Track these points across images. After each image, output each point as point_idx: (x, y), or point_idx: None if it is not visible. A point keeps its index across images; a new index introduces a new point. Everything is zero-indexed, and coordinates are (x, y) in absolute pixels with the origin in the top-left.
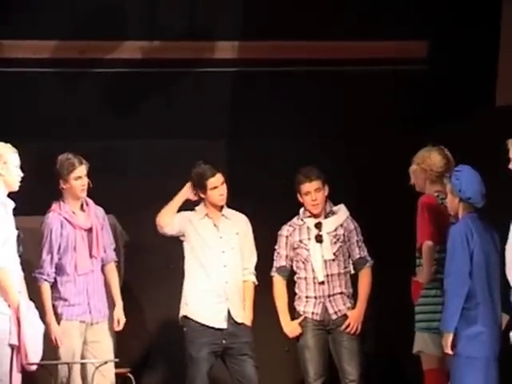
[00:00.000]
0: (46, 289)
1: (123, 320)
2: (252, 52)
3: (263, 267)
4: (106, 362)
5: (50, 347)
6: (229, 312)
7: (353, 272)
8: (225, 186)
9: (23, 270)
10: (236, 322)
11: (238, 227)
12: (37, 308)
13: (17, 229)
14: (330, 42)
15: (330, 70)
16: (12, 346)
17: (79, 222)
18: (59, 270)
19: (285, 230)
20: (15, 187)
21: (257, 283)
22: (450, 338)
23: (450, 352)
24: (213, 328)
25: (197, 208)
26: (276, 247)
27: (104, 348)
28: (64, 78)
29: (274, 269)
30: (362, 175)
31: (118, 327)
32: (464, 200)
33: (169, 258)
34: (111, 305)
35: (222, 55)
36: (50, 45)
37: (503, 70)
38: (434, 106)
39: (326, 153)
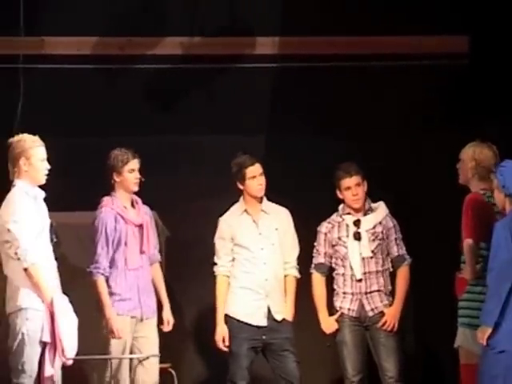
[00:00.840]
0: (102, 283)
1: (172, 321)
2: (293, 47)
3: (303, 263)
4: (147, 357)
5: (103, 341)
6: (269, 309)
7: (391, 270)
8: (263, 177)
9: (60, 262)
10: (275, 319)
11: (277, 222)
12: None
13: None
14: (372, 37)
15: (370, 65)
16: (44, 343)
17: (131, 218)
18: (111, 264)
19: (324, 227)
20: (41, 181)
21: (299, 277)
22: (487, 331)
23: (484, 344)
24: (252, 325)
25: (235, 205)
26: (315, 244)
27: (150, 344)
28: (104, 74)
29: (312, 265)
30: (402, 171)
31: (168, 328)
32: (509, 195)
33: (209, 253)
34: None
35: (263, 51)
36: (91, 41)
37: None
38: (476, 102)
39: (365, 149)
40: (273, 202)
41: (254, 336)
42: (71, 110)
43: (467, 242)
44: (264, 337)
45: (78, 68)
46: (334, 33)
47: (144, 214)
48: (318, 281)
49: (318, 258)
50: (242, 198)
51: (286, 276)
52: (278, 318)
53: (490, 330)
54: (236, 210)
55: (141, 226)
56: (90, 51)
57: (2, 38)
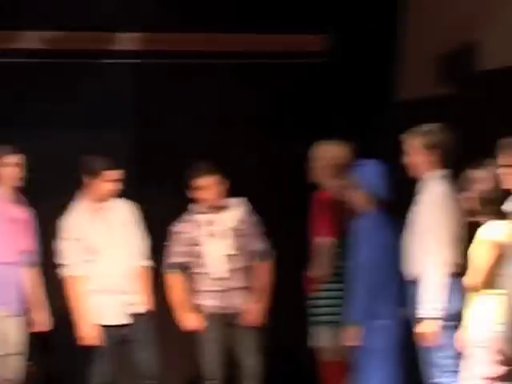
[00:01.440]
0: None
1: (46, 322)
2: (153, 44)
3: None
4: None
5: None
6: (127, 305)
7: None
8: (118, 183)
9: None
10: (135, 313)
11: (122, 216)
12: None
13: None
14: (231, 35)
15: (230, 63)
16: None
17: (10, 210)
18: None
19: (178, 227)
20: None
21: (151, 266)
22: (354, 330)
23: (354, 344)
24: (113, 326)
25: (78, 202)
26: (168, 243)
27: (11, 342)
28: None
29: (166, 265)
30: (258, 169)
31: (42, 328)
32: (368, 194)
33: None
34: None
35: (124, 47)
36: None
37: (403, 64)
38: (333, 100)
39: (222, 145)
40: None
41: (115, 333)
42: None
43: (321, 241)
44: (123, 331)
45: None
46: (195, 29)
47: (24, 212)
48: (174, 280)
49: (173, 258)
50: (84, 194)
51: (137, 267)
52: (138, 311)
53: (356, 328)
54: (81, 207)
55: (19, 222)
56: None
57: None
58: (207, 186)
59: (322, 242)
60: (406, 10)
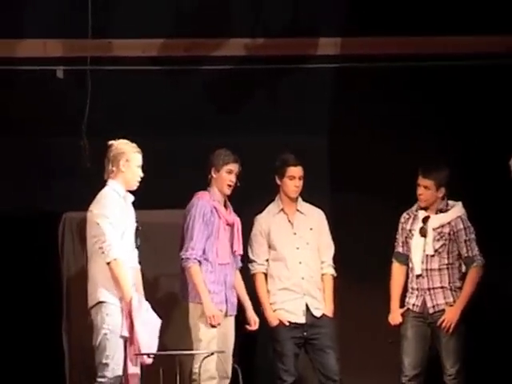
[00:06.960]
0: (198, 269)
1: (258, 320)
2: (355, 48)
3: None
4: (212, 353)
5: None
6: (307, 306)
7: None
8: (301, 180)
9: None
10: (315, 315)
11: (312, 222)
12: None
13: (136, 222)
14: (437, 38)
15: (438, 65)
16: (124, 338)
17: (224, 214)
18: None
19: (402, 217)
20: (133, 186)
21: (335, 275)
22: None
23: None
24: (292, 323)
25: (271, 204)
26: (397, 233)
27: (228, 340)
28: (169, 75)
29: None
30: (483, 173)
31: (255, 327)
32: None
33: None
34: None
35: (325, 51)
36: (157, 43)
37: None
38: None
39: (438, 152)
40: (336, 199)
41: (296, 334)
42: (138, 111)
43: None
44: (305, 333)
45: (143, 69)
46: (396, 33)
47: (235, 216)
48: (395, 269)
49: (397, 247)
50: (278, 197)
51: (323, 275)
52: (317, 314)
53: None
54: (272, 209)
55: (232, 226)
56: (155, 53)
57: (71, 40)
58: (426, 187)
59: None
60: None
